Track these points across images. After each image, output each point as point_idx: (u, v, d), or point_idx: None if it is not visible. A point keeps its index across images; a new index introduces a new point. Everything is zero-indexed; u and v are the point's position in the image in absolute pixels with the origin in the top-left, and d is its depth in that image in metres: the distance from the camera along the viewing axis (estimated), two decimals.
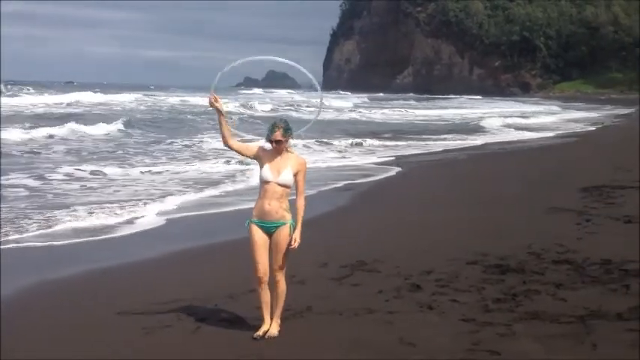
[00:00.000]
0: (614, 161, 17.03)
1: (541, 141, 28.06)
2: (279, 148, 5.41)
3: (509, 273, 7.10)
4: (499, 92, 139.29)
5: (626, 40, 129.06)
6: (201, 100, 39.44)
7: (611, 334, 5.23)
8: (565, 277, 6.87)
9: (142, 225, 10.16)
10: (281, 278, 5.47)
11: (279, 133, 5.37)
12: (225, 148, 5.71)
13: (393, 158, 20.55)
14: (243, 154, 5.64)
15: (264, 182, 5.41)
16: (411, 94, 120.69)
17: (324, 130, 27.45)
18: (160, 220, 10.53)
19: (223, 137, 5.56)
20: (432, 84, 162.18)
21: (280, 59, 5.99)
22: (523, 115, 49.74)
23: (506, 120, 42.22)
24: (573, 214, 10.27)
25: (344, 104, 61.93)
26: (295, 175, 5.43)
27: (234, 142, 5.59)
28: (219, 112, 5.53)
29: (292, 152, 5.52)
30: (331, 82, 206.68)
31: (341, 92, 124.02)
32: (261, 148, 5.52)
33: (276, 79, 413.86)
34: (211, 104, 5.53)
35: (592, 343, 5.07)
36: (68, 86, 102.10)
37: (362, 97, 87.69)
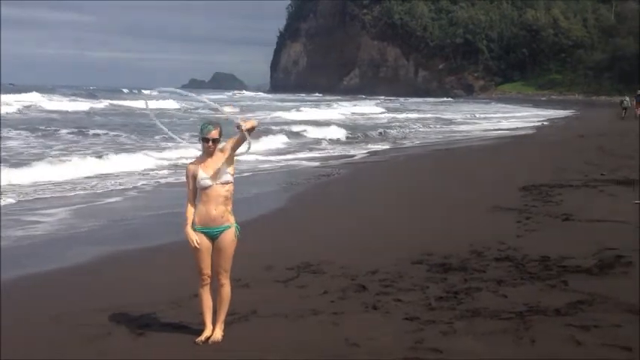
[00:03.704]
0: (553, 160, 17.52)
1: (482, 141, 28.62)
2: (213, 147, 5.26)
3: (452, 271, 7.22)
4: (444, 94, 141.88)
5: (565, 43, 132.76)
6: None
7: (549, 330, 5.36)
8: (506, 274, 7.02)
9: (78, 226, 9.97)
10: (226, 282, 5.42)
11: (216, 132, 5.25)
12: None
13: (335, 160, 20.68)
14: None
15: (204, 188, 5.24)
16: (382, 97, 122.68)
17: None
18: (99, 222, 10.34)
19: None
20: (379, 86, 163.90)
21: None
22: None
23: None
24: (514, 212, 10.52)
25: (374, 109, 63.26)
26: (234, 150, 5.29)
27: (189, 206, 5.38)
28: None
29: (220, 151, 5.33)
30: (279, 84, 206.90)
31: (318, 94, 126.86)
32: (193, 165, 5.31)
33: (223, 80, 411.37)
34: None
35: (531, 338, 5.19)
36: (13, 88, 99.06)
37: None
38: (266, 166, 18.89)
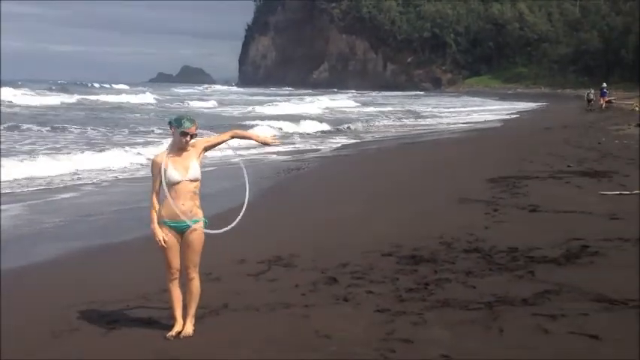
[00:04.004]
0: (520, 153, 17.74)
1: (451, 134, 28.88)
2: (188, 143, 5.24)
3: (422, 263, 7.27)
4: (412, 87, 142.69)
5: (531, 37, 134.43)
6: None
7: (517, 319, 5.42)
8: (474, 265, 7.09)
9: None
10: (195, 276, 5.38)
11: (194, 128, 5.24)
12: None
13: (307, 154, 20.69)
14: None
15: (172, 184, 5.17)
16: (353, 90, 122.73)
17: None
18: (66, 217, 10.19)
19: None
20: (348, 79, 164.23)
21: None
22: None
23: None
24: (482, 204, 10.63)
25: (349, 103, 63.36)
26: (206, 150, 5.35)
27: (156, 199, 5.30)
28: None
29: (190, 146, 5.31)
30: (248, 78, 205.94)
31: (289, 88, 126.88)
32: (161, 159, 5.22)
33: (191, 74, 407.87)
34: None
35: (499, 328, 5.25)
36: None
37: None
38: (236, 160, 18.79)
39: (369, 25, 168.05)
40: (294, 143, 24.96)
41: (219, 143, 5.50)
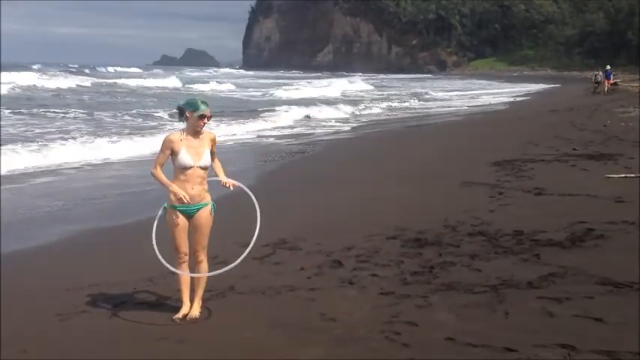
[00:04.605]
0: (525, 135, 17.68)
1: (455, 117, 28.79)
2: (202, 127, 5.25)
3: (426, 246, 7.28)
4: (417, 70, 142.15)
5: (537, 18, 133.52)
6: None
7: (522, 302, 5.43)
8: (479, 249, 7.09)
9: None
10: (204, 258, 5.42)
11: (208, 111, 5.26)
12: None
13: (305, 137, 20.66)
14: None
15: (184, 168, 5.20)
16: (359, 73, 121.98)
17: None
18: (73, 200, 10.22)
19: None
20: (352, 62, 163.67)
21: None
22: None
23: None
24: (487, 187, 10.61)
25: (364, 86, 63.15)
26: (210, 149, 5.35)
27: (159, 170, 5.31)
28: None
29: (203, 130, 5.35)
30: (252, 61, 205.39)
31: (296, 71, 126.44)
32: (175, 140, 5.22)
33: (195, 57, 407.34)
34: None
35: (504, 311, 5.25)
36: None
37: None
38: (248, 142, 18.80)
39: (374, 7, 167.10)
40: (305, 126, 24.94)
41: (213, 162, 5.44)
